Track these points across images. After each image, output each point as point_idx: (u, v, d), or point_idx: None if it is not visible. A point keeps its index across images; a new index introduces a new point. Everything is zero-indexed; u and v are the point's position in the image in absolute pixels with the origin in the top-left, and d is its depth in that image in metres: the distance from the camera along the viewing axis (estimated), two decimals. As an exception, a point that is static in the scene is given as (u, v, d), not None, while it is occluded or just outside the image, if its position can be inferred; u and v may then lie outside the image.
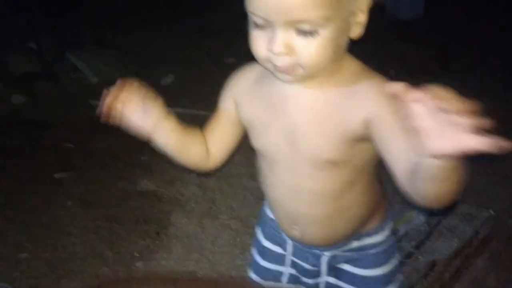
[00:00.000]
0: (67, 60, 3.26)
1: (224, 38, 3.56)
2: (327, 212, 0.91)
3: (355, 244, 0.97)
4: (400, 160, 0.72)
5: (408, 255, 1.79)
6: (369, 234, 0.97)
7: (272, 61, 0.76)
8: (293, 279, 1.04)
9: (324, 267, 0.99)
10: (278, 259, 1.04)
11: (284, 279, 1.05)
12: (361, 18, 0.77)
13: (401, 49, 3.39)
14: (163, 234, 1.97)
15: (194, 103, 2.85)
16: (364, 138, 0.80)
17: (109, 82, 3.17)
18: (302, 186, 0.89)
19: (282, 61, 0.75)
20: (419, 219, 1.95)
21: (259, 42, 0.77)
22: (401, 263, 1.74)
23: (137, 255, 1.88)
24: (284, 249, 1.03)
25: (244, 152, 2.43)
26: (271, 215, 1.04)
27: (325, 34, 0.73)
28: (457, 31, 3.67)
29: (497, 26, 3.70)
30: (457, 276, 1.72)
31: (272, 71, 0.79)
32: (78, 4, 4.08)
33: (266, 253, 1.07)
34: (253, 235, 1.94)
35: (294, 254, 1.02)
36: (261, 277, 1.08)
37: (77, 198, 2.13)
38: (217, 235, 1.97)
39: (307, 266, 1.01)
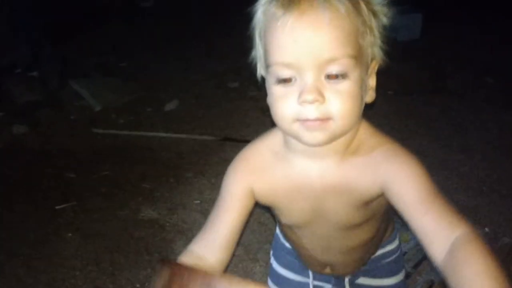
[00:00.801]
0: (70, 88, 3.26)
1: (228, 63, 3.56)
2: (358, 254, 0.97)
3: (372, 256, 1.03)
4: (434, 239, 0.71)
5: (407, 276, 1.78)
6: (382, 246, 1.03)
7: (302, 117, 0.72)
8: None
9: (347, 286, 1.05)
10: (298, 286, 1.07)
11: None
12: (372, 82, 0.80)
13: (399, 70, 3.39)
14: (165, 264, 1.93)
15: (198, 129, 2.84)
16: (381, 195, 0.82)
17: (113, 110, 3.18)
18: (331, 245, 0.93)
19: (315, 112, 0.71)
20: (416, 239, 1.94)
21: (285, 99, 0.73)
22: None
23: (138, 286, 1.84)
24: (305, 276, 1.06)
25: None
26: (288, 245, 1.06)
27: (353, 77, 0.72)
28: (452, 51, 3.68)
29: (491, 46, 3.71)
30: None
31: (298, 134, 0.75)
32: (81, 31, 4.12)
33: (283, 283, 1.09)
34: (255, 261, 1.92)
35: (314, 279, 1.05)
36: None
37: (78, 229, 2.10)
38: (220, 264, 1.92)
39: (329, 286, 1.06)
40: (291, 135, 0.77)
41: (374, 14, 0.77)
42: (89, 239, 2.05)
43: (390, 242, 1.04)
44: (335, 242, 0.92)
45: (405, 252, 1.89)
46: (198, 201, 2.27)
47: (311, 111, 0.71)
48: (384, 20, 0.79)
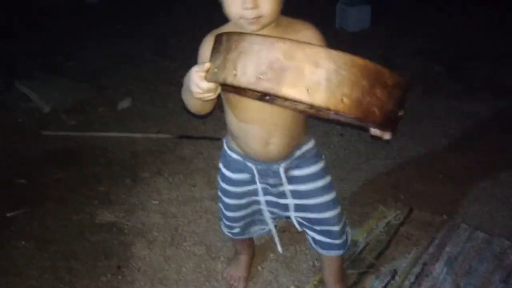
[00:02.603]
0: (16, 90, 3.13)
1: (180, 59, 3.50)
2: (286, 132, 1.33)
3: (297, 153, 1.41)
4: None
5: (370, 266, 1.85)
6: (304, 143, 1.42)
7: (244, 16, 1.11)
8: (265, 191, 1.47)
9: (283, 178, 1.42)
10: (247, 182, 1.46)
11: (260, 191, 1.47)
12: None
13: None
14: (125, 267, 1.89)
15: (153, 127, 2.79)
16: None
17: (63, 111, 3.05)
18: (270, 116, 1.28)
19: (252, 14, 1.10)
20: (378, 228, 2.00)
21: (234, 4, 1.11)
22: (363, 273, 1.80)
23: (98, 292, 1.79)
24: (251, 173, 1.43)
25: (205, 174, 2.38)
26: (234, 155, 1.44)
27: None
28: (401, 41, 3.75)
29: (440, 35, 3.81)
30: (417, 283, 1.76)
31: (244, 25, 1.13)
32: (25, 30, 3.96)
33: (237, 183, 1.48)
34: (216, 259, 1.90)
35: (259, 176, 1.43)
36: (237, 198, 1.51)
37: (32, 236, 2.04)
38: (181, 264, 1.91)
39: (271, 181, 1.44)
40: (239, 25, 1.15)
41: None
42: (44, 247, 1.99)
43: (306, 143, 1.43)
44: (272, 113, 1.26)
45: (367, 243, 1.92)
46: (157, 201, 2.23)
47: (250, 14, 1.10)
48: None
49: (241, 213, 1.56)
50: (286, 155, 1.39)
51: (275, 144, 1.34)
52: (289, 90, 0.85)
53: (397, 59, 3.42)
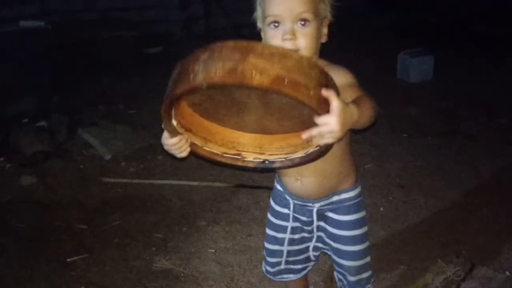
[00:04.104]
0: (79, 137, 3.24)
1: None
2: (321, 167, 1.32)
3: (335, 198, 1.42)
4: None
5: None
6: (345, 191, 1.43)
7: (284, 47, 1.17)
8: (295, 230, 1.51)
9: (315, 216, 1.45)
10: (285, 217, 1.50)
11: (288, 230, 1.50)
12: (326, 31, 1.27)
13: (412, 112, 3.40)
14: (182, 317, 1.86)
15: (210, 176, 2.80)
16: None
17: (123, 158, 3.10)
18: None
19: (291, 45, 1.17)
20: (434, 284, 1.94)
21: (275, 36, 1.20)
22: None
23: None
24: (289, 209, 1.48)
25: (262, 223, 2.36)
26: (278, 186, 1.52)
27: (313, 25, 1.20)
28: (464, 93, 3.69)
29: (504, 88, 3.73)
30: None
31: None
32: (87, 79, 4.13)
33: (277, 214, 1.53)
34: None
35: (294, 211, 1.47)
36: (274, 231, 1.54)
37: (91, 282, 2.03)
38: (238, 315, 1.85)
39: (303, 218, 1.47)
40: None
41: None
42: (102, 293, 1.98)
43: (351, 189, 1.43)
44: None
45: None
46: (213, 250, 2.21)
47: (289, 45, 1.17)
48: None
49: (275, 247, 1.56)
50: (319, 195, 1.41)
51: (305, 181, 1.37)
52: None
53: (462, 111, 3.36)
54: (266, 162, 1.20)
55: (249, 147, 1.20)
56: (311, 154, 1.13)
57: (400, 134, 3.21)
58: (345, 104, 0.99)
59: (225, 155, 1.20)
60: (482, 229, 2.23)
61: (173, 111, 1.08)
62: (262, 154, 1.20)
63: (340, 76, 1.20)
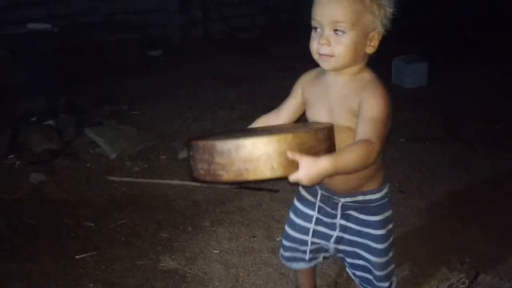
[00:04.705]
0: (85, 136, 3.30)
1: (237, 111, 3.62)
2: None
3: (360, 197, 1.47)
4: (356, 137, 1.30)
5: None
6: (371, 192, 1.48)
7: (319, 52, 1.31)
8: (317, 221, 1.56)
9: (339, 211, 1.50)
10: (310, 206, 1.57)
11: (313, 220, 1.56)
12: (374, 43, 1.34)
13: (408, 117, 3.45)
14: (188, 316, 1.92)
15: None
16: None
17: (128, 158, 3.18)
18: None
19: (325, 50, 1.29)
20: None
21: (314, 38, 1.33)
22: None
23: None
24: (315, 198, 1.55)
25: (264, 226, 2.42)
26: (304, 193, 1.59)
27: (350, 35, 1.28)
28: (459, 99, 3.75)
29: (499, 94, 3.80)
30: None
31: (319, 61, 1.34)
32: (93, 80, 4.19)
33: (297, 212, 1.61)
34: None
35: (320, 200, 1.53)
36: (300, 219, 1.60)
37: (99, 279, 2.10)
38: (242, 315, 1.92)
39: (328, 208, 1.53)
40: (317, 61, 1.35)
41: (378, 5, 1.30)
42: (110, 290, 2.05)
43: (377, 191, 1.48)
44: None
45: None
46: (217, 251, 2.27)
47: (323, 50, 1.29)
48: (387, 8, 1.31)
49: (294, 234, 1.63)
50: (345, 190, 1.47)
51: (330, 179, 1.39)
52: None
53: (458, 117, 3.42)
54: None
55: None
56: None
57: (398, 139, 3.28)
58: (313, 161, 1.15)
59: None
60: (483, 236, 2.26)
61: None
62: None
63: (366, 105, 1.30)
